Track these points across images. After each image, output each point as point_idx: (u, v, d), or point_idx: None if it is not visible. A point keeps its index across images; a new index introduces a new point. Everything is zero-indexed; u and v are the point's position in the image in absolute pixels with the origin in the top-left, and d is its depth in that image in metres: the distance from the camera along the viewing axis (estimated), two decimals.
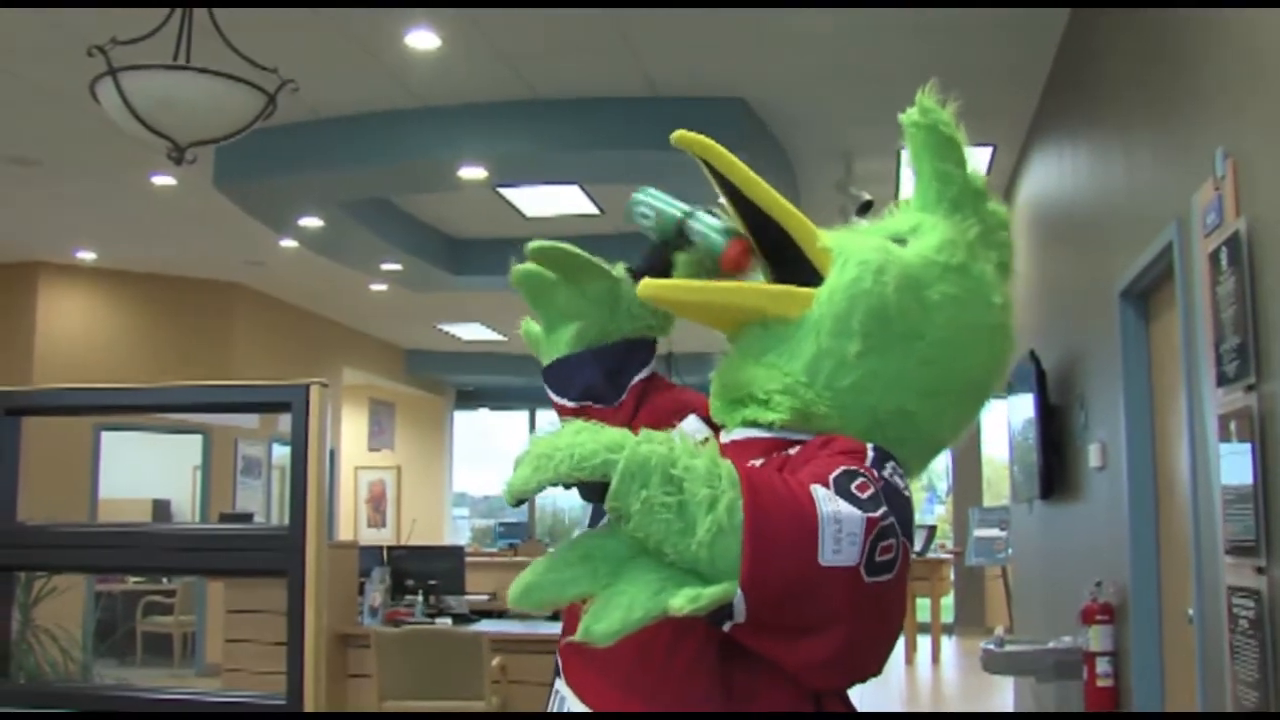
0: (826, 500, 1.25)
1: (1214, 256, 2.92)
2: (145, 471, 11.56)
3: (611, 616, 1.20)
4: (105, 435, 10.00)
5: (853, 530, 1.24)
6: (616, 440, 1.21)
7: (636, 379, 1.76)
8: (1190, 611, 3.37)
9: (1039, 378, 5.72)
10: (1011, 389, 6.72)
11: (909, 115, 1.66)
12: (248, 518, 10.29)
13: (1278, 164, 2.58)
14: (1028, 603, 7.69)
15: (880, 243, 1.60)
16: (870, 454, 1.43)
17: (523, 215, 8.65)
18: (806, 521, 1.22)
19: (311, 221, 8.05)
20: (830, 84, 6.13)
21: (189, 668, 10.37)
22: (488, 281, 9.61)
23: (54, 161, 7.29)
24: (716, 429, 1.66)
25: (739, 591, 1.20)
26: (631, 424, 1.66)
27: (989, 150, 7.10)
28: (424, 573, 6.93)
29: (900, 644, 1.41)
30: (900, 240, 1.63)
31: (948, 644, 12.11)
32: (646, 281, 1.56)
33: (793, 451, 1.50)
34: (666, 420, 1.67)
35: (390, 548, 7.48)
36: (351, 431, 14.94)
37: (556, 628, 1.62)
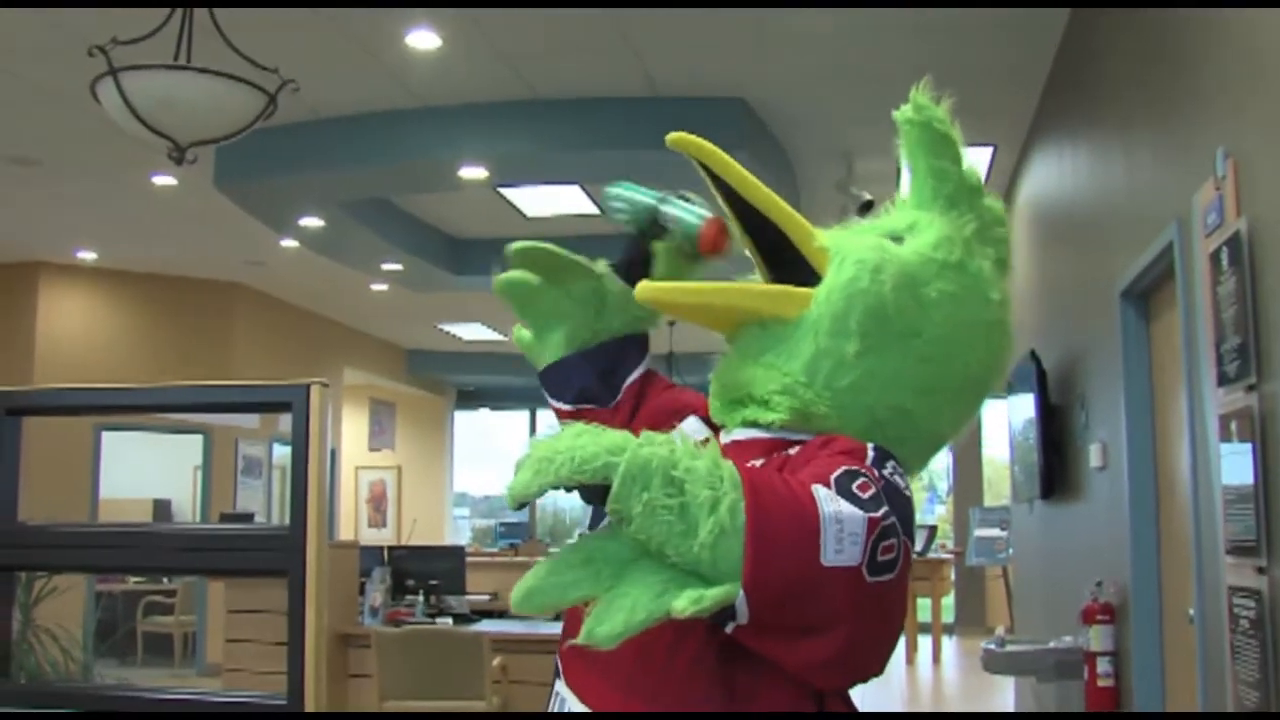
0: (828, 500, 1.25)
1: (1215, 256, 2.92)
2: (146, 471, 11.57)
3: (614, 619, 1.20)
4: (106, 435, 10.00)
5: (854, 530, 1.24)
6: (617, 443, 1.20)
7: (632, 378, 1.76)
8: (1191, 611, 3.37)
9: (1040, 377, 5.72)
10: (1012, 389, 6.72)
11: (903, 112, 1.66)
12: (248, 518, 10.28)
13: (1278, 164, 2.58)
14: (1028, 603, 7.68)
15: (877, 241, 1.59)
16: (871, 454, 1.43)
17: (523, 215, 8.65)
18: (808, 522, 1.22)
19: (312, 221, 8.05)
20: (831, 84, 6.13)
21: (189, 668, 10.38)
22: (488, 281, 9.50)
23: (55, 161, 7.29)
24: (716, 429, 1.66)
25: (741, 592, 1.20)
26: (631, 425, 1.66)
27: (989, 150, 7.10)
28: (425, 573, 6.93)
29: (901, 644, 1.41)
30: (897, 238, 1.62)
31: (948, 644, 12.11)
32: (644, 285, 1.56)
33: (793, 452, 1.50)
34: (666, 421, 1.67)
35: (391, 548, 7.48)
36: (352, 431, 14.94)
37: (557, 628, 1.62)
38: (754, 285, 1.65)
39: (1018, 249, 7.50)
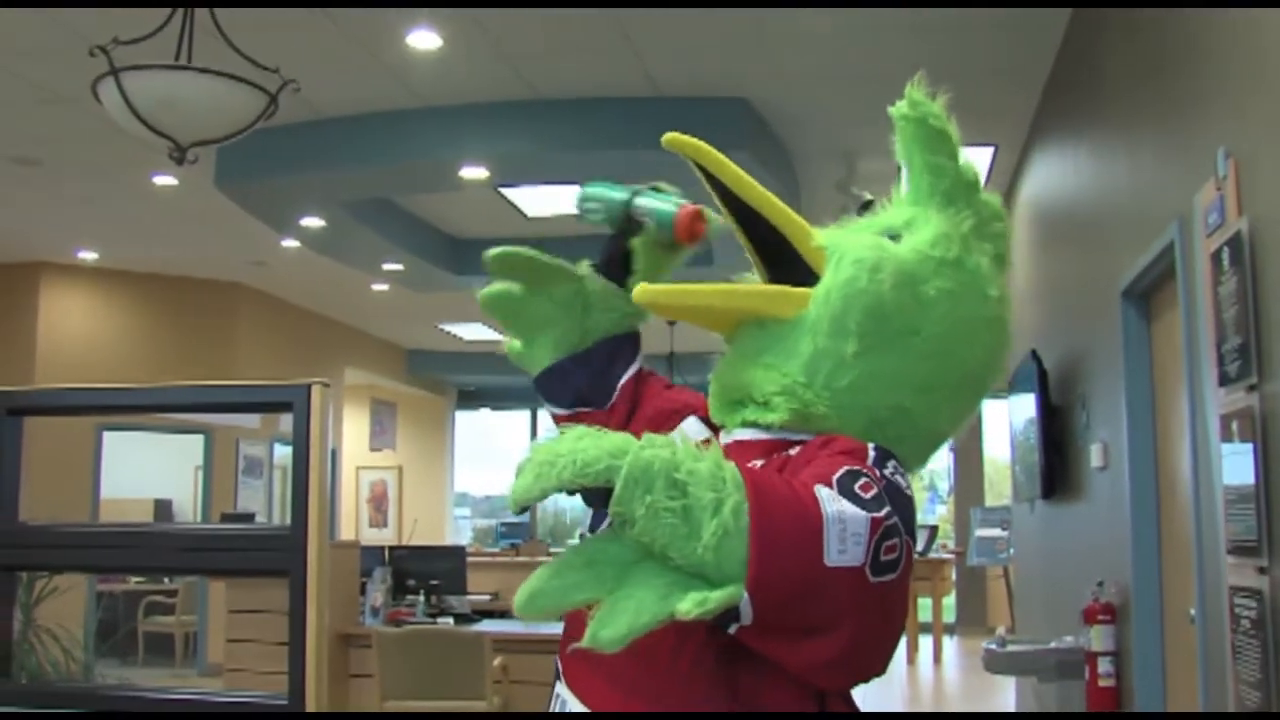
0: (831, 501, 1.25)
1: (1216, 256, 2.92)
2: (147, 471, 11.57)
3: (618, 622, 1.20)
4: (107, 435, 10.00)
5: (857, 530, 1.24)
6: (619, 445, 1.20)
7: (625, 377, 1.76)
8: (1192, 611, 3.37)
9: (1041, 377, 5.72)
10: (1013, 388, 6.72)
11: (898, 108, 1.65)
12: (249, 518, 10.28)
13: (1279, 164, 2.58)
14: (1029, 603, 7.68)
15: (875, 240, 1.59)
16: (871, 453, 1.43)
17: (524, 215, 8.65)
18: (811, 522, 1.22)
19: (313, 221, 8.05)
20: (832, 84, 6.13)
21: (191, 668, 10.38)
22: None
23: (56, 161, 7.29)
24: (716, 429, 1.66)
25: (745, 594, 1.20)
26: (629, 426, 1.66)
27: (990, 150, 7.10)
28: (425, 573, 6.93)
29: (902, 644, 1.41)
30: (894, 235, 1.62)
31: (949, 644, 12.12)
32: (642, 288, 1.55)
33: (793, 452, 1.49)
34: (666, 422, 1.67)
35: (392, 548, 7.48)
36: (353, 431, 14.94)
37: (558, 628, 1.61)
38: (752, 286, 1.64)
39: (1019, 249, 7.50)
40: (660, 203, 1.66)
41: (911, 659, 10.85)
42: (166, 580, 10.91)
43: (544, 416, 1.86)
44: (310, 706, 2.26)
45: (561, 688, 1.52)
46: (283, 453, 11.34)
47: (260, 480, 11.23)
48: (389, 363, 14.50)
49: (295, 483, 2.32)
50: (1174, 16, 3.48)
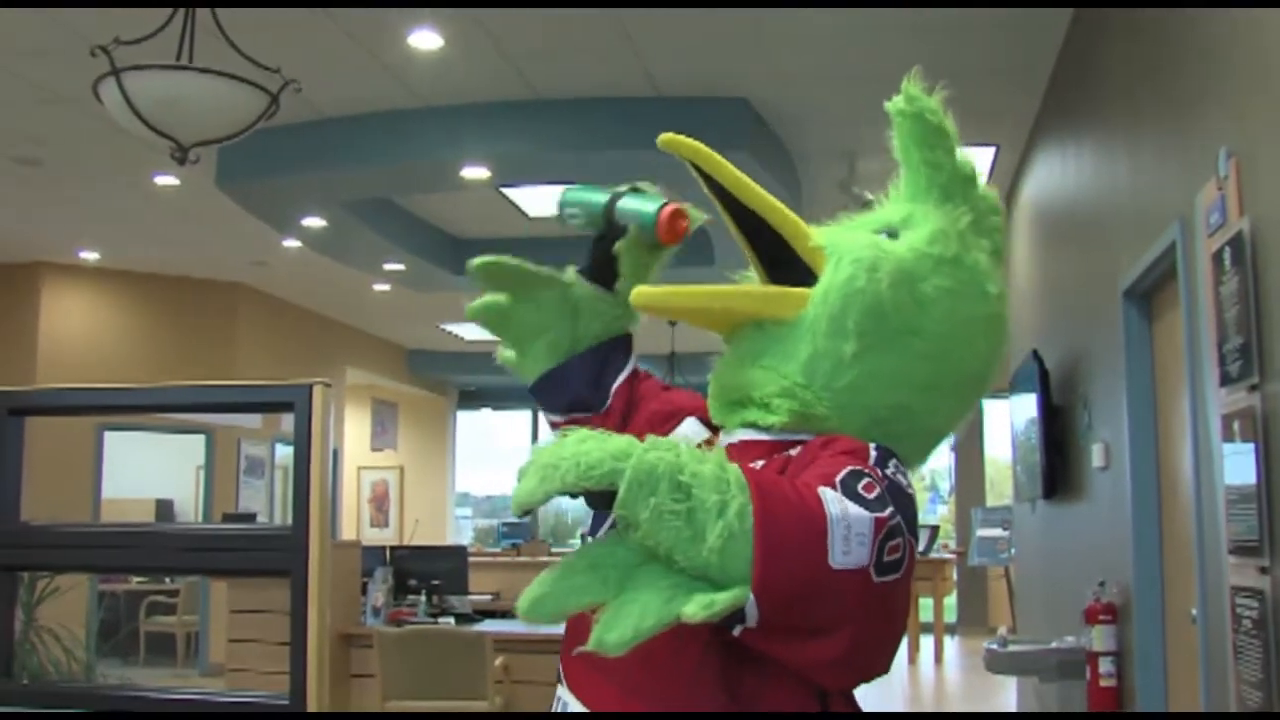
0: (835, 502, 1.25)
1: (1217, 256, 2.92)
2: (148, 471, 11.57)
3: (623, 625, 1.19)
4: (108, 435, 10.01)
5: (861, 531, 1.24)
6: (622, 448, 1.19)
7: (619, 380, 1.75)
8: (1193, 611, 3.37)
9: (1042, 377, 5.72)
10: (1015, 388, 6.72)
11: (895, 104, 1.64)
12: (250, 518, 10.29)
13: None
14: (1030, 603, 7.68)
15: (872, 239, 1.59)
16: (873, 453, 1.43)
17: (525, 215, 8.65)
18: (816, 524, 1.22)
19: (314, 221, 8.06)
20: (833, 84, 6.13)
21: (192, 668, 10.38)
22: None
23: (57, 161, 7.30)
24: (715, 430, 1.66)
25: (751, 596, 1.19)
26: (625, 429, 1.65)
27: (992, 150, 7.10)
28: (427, 572, 6.93)
29: (903, 644, 1.40)
30: (892, 232, 1.62)
31: (950, 644, 12.12)
32: (639, 291, 1.54)
33: (793, 452, 1.49)
34: (663, 424, 1.66)
35: (393, 548, 7.48)
36: (354, 431, 14.95)
37: (560, 628, 1.61)
38: (751, 287, 1.64)
39: (1021, 249, 7.50)
40: (641, 204, 1.64)
41: (913, 659, 10.85)
42: (168, 580, 10.92)
43: (545, 417, 1.84)
44: (312, 706, 2.26)
45: (563, 691, 1.52)
46: (284, 453, 11.35)
47: (261, 480, 11.24)
48: (390, 363, 14.50)
49: (296, 483, 2.31)
50: (1175, 16, 3.48)
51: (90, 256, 9.87)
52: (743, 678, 1.39)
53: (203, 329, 10.61)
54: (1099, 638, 4.47)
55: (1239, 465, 2.75)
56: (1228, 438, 2.85)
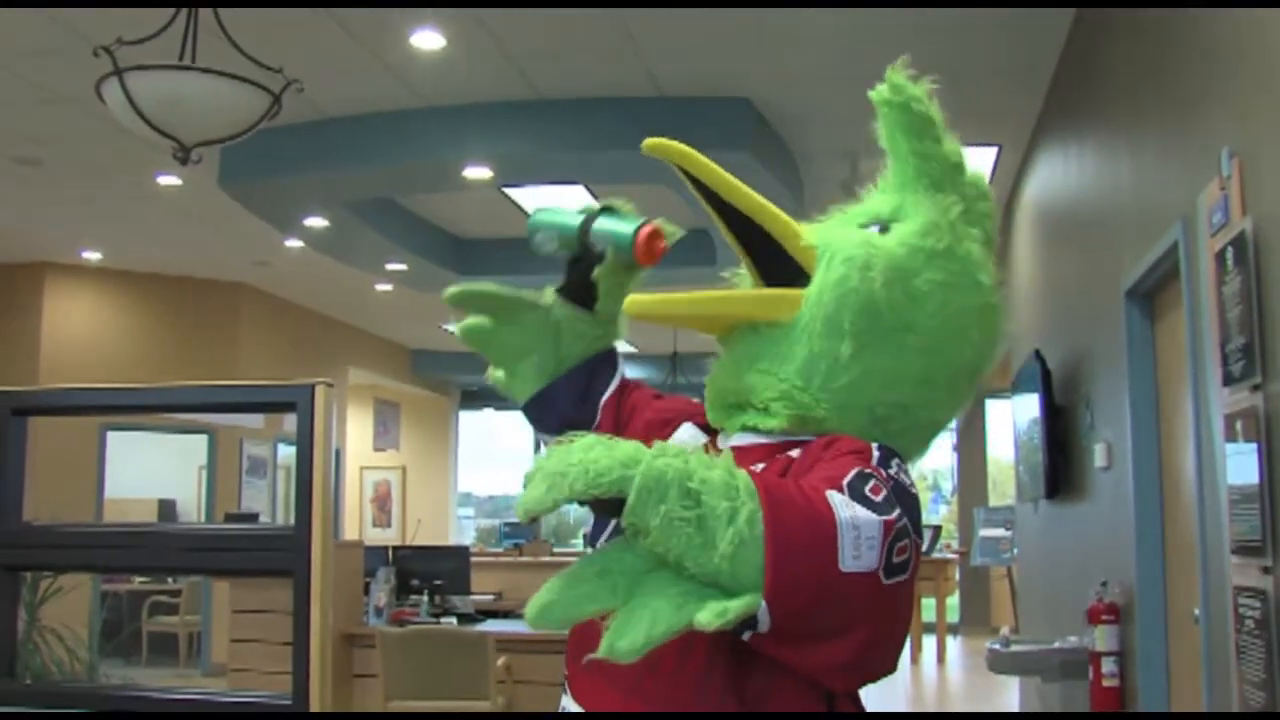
0: (843, 506, 1.25)
1: (1220, 256, 2.91)
2: (151, 471, 11.57)
3: (635, 632, 1.19)
4: (111, 435, 10.01)
5: (871, 535, 1.24)
6: (630, 454, 1.19)
7: (606, 395, 1.74)
8: (1196, 612, 3.37)
9: (1044, 377, 5.71)
10: (1017, 388, 6.72)
11: (879, 93, 1.63)
12: (253, 517, 10.29)
13: None
14: (1033, 602, 7.68)
15: (864, 236, 1.58)
16: (876, 453, 1.43)
17: (528, 215, 8.62)
18: (825, 529, 1.22)
19: (317, 221, 8.06)
20: (835, 83, 6.13)
21: (194, 668, 10.38)
22: (493, 281, 9.60)
23: (58, 161, 7.30)
24: (711, 434, 1.65)
25: (763, 603, 1.19)
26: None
27: (994, 150, 7.10)
28: (429, 572, 6.93)
29: (905, 644, 1.40)
30: (882, 224, 1.61)
31: (953, 644, 12.11)
32: (633, 299, 1.54)
33: (794, 454, 1.49)
34: (658, 432, 1.66)
35: (395, 547, 7.48)
36: (357, 431, 14.95)
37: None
38: (744, 291, 1.63)
39: (1023, 249, 7.50)
40: (616, 225, 1.62)
41: (915, 659, 10.84)
42: (170, 580, 10.92)
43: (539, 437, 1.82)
44: (314, 706, 2.26)
45: (568, 700, 1.51)
46: (286, 453, 11.35)
47: (264, 480, 11.24)
48: (393, 363, 14.50)
49: (299, 483, 2.31)
50: (1177, 16, 3.47)
51: (93, 256, 9.87)
52: (749, 680, 1.38)
53: (205, 329, 10.62)
54: (1101, 638, 4.47)
55: (1241, 465, 2.75)
56: (1230, 438, 2.85)
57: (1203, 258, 3.13)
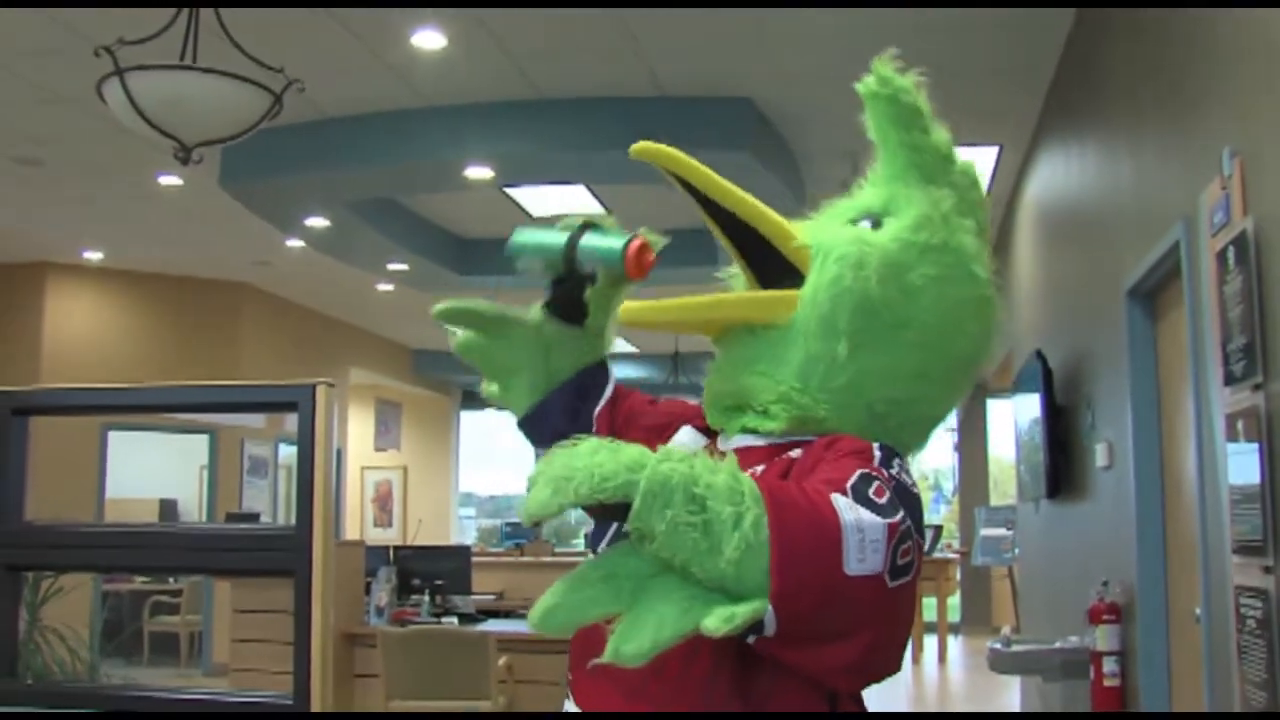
0: (848, 509, 1.24)
1: (1221, 255, 2.91)
2: (152, 471, 11.58)
3: (641, 637, 1.19)
4: (112, 435, 10.01)
5: (875, 538, 1.24)
6: (635, 459, 1.18)
7: (599, 408, 1.74)
8: (1197, 611, 3.37)
9: (1045, 377, 5.71)
10: (1018, 388, 6.72)
11: (866, 85, 1.62)
12: (254, 517, 10.29)
13: None
14: (1034, 602, 7.68)
15: (856, 234, 1.57)
16: (877, 453, 1.42)
17: (529, 215, 8.65)
18: (830, 532, 1.22)
19: (318, 221, 8.06)
20: (836, 83, 6.08)
21: (196, 667, 10.39)
22: (495, 281, 9.62)
23: (59, 162, 7.30)
24: (710, 436, 1.65)
25: (769, 607, 1.19)
26: None
27: (995, 149, 7.09)
28: (430, 572, 6.94)
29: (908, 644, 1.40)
30: (874, 218, 1.60)
31: (954, 644, 12.11)
32: (629, 306, 1.54)
33: (795, 454, 1.49)
34: (656, 437, 1.64)
35: (397, 547, 7.49)
36: (358, 431, 14.95)
37: None
38: (739, 295, 1.63)
39: (1024, 248, 7.50)
40: (604, 242, 1.59)
41: (916, 659, 10.84)
42: (171, 580, 10.92)
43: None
44: (315, 706, 2.26)
45: (571, 705, 1.51)
46: (287, 452, 11.35)
47: (265, 480, 11.24)
48: (394, 363, 14.50)
49: (300, 483, 2.31)
50: (1178, 16, 3.47)
51: (94, 256, 9.88)
52: (754, 683, 1.38)
53: (206, 329, 10.62)
54: (1103, 637, 4.47)
55: (1243, 465, 2.75)
56: (1231, 437, 2.85)
57: (1204, 257, 3.13)
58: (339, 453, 13.06)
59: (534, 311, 1.70)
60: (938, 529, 12.02)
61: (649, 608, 1.21)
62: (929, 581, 10.51)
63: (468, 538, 17.04)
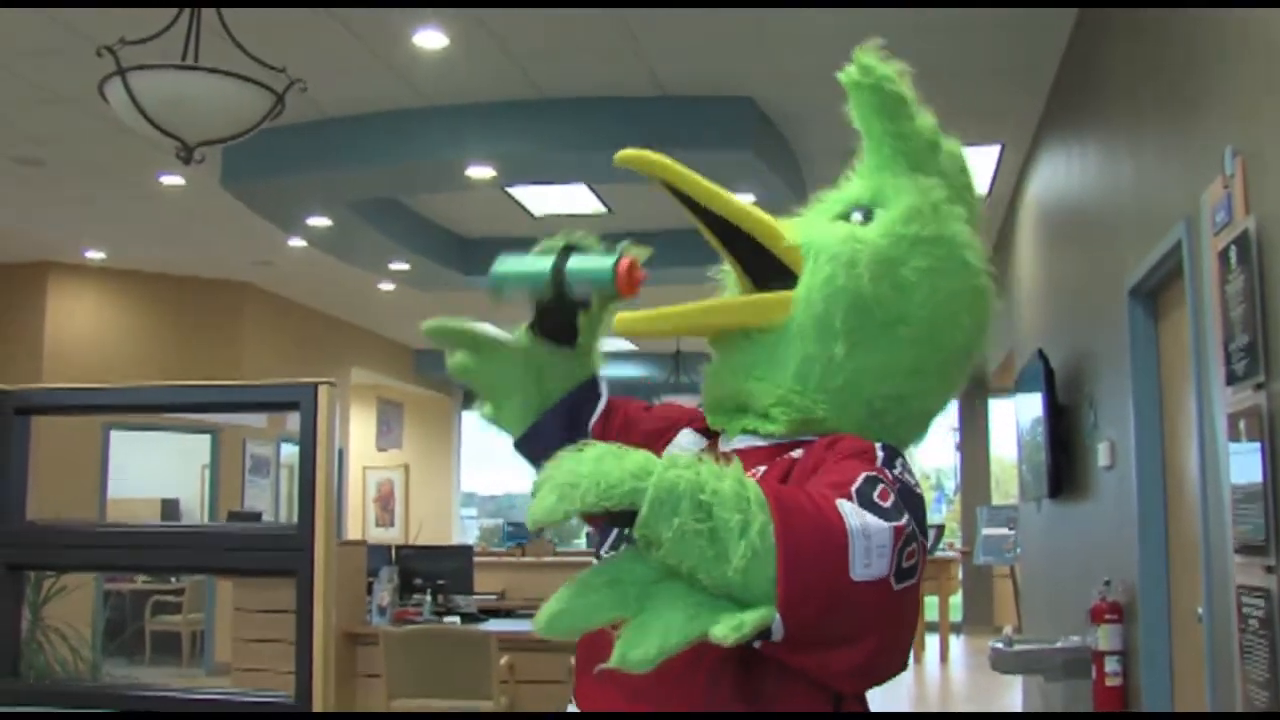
0: (853, 514, 1.24)
1: (1223, 255, 2.91)
2: (154, 471, 11.59)
3: (648, 643, 1.19)
4: (114, 434, 10.02)
5: (882, 543, 1.24)
6: (641, 466, 1.18)
7: (592, 421, 1.73)
8: (1199, 611, 3.37)
9: (1047, 377, 5.71)
10: (1020, 388, 6.72)
11: (849, 75, 1.62)
12: (256, 517, 10.30)
13: None
14: (1036, 602, 7.67)
15: (847, 231, 1.57)
16: (880, 454, 1.42)
17: (531, 214, 8.65)
18: (836, 538, 1.22)
19: (320, 221, 8.06)
20: (836, 83, 6.12)
21: (198, 667, 10.39)
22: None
23: (60, 161, 7.30)
24: (710, 436, 1.65)
25: (777, 615, 1.19)
26: None
27: (996, 149, 7.09)
28: (432, 572, 6.94)
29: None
30: (865, 209, 1.60)
31: (956, 643, 12.11)
32: (624, 316, 1.52)
33: (796, 453, 1.49)
34: (657, 441, 1.65)
35: (398, 547, 7.49)
36: (360, 431, 14.96)
37: None
38: (732, 300, 1.63)
39: (1026, 248, 7.49)
40: (590, 262, 1.57)
41: (918, 658, 10.84)
42: (173, 579, 10.93)
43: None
44: (317, 706, 2.27)
45: (574, 708, 1.51)
46: (289, 452, 11.35)
47: (267, 480, 11.25)
48: (396, 362, 14.50)
49: (302, 482, 2.32)
50: (1179, 16, 3.47)
51: (96, 256, 9.88)
52: (758, 684, 1.38)
53: (208, 328, 10.62)
54: (1104, 637, 4.47)
55: (1245, 464, 2.75)
56: (1234, 437, 2.85)
57: (1206, 256, 3.13)
58: (341, 452, 13.06)
59: (521, 335, 1.68)
60: (939, 528, 12.01)
61: (655, 614, 1.20)
62: (931, 581, 10.51)
63: (469, 537, 17.04)
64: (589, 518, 1.25)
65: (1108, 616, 4.46)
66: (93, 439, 9.73)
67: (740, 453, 1.52)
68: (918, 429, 1.62)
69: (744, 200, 1.59)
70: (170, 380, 3.06)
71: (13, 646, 2.56)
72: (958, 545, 13.02)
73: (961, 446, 13.94)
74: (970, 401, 13.43)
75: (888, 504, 1.28)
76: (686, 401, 1.78)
